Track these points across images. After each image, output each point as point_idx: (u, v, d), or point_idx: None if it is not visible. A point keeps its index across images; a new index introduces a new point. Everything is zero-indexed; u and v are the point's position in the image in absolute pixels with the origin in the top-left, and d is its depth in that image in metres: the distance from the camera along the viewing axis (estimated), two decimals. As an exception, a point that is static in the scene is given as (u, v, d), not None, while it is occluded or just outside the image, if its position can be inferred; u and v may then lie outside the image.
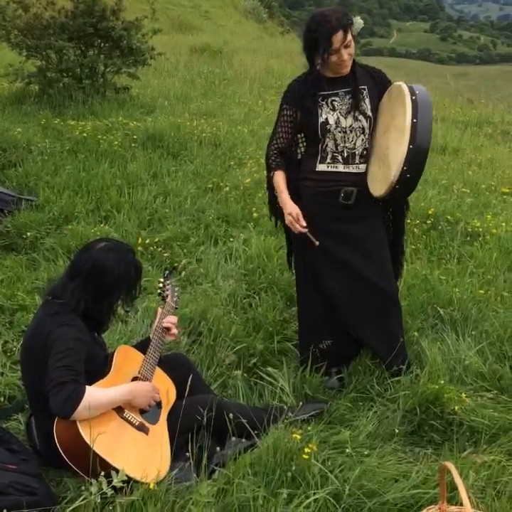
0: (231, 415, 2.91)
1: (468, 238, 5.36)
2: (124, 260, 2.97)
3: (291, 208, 3.45)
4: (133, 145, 7.02)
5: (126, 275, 2.96)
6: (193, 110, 8.61)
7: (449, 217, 5.60)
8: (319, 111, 3.45)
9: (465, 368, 3.68)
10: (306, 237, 3.44)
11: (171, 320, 3.27)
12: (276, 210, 3.78)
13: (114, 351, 3.04)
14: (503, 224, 5.56)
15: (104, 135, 7.17)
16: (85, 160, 6.59)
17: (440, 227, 5.46)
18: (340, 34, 3.27)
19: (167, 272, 3.60)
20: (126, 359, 3.04)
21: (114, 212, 5.63)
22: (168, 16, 24.89)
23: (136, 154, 6.80)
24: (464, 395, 3.34)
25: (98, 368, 2.88)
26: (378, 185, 3.40)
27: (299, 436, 2.92)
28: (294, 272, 3.86)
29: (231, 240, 5.23)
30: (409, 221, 5.16)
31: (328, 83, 3.46)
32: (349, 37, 3.31)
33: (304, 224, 3.41)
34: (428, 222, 5.51)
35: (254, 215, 5.67)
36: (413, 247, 5.16)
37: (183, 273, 4.76)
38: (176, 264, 4.88)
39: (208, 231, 5.41)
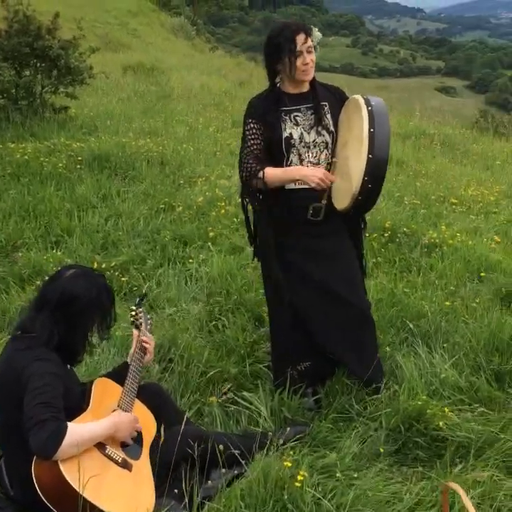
0: (222, 447, 2.79)
1: (426, 249, 5.39)
2: (95, 286, 2.84)
3: (314, 170, 3.33)
4: (78, 166, 6.81)
5: (98, 301, 2.83)
6: (137, 129, 8.46)
7: (405, 229, 5.63)
8: (283, 126, 3.40)
9: (441, 381, 3.65)
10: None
11: (147, 339, 3.17)
12: (252, 225, 3.66)
13: (91, 384, 2.89)
14: (458, 234, 5.62)
15: (47, 157, 6.94)
16: (29, 184, 6.36)
17: (398, 240, 5.48)
18: (302, 35, 3.30)
19: (138, 299, 3.49)
20: (104, 392, 2.89)
21: (65, 237, 5.44)
22: (96, 34, 24.54)
23: (82, 176, 6.60)
24: (446, 409, 3.31)
25: (75, 403, 2.73)
26: (342, 198, 3.37)
27: (289, 464, 2.82)
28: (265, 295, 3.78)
29: (190, 260, 5.10)
30: (367, 235, 5.15)
31: (290, 99, 3.43)
32: (310, 42, 3.33)
33: (333, 177, 3.34)
34: (385, 235, 5.52)
35: (211, 234, 5.57)
36: (374, 260, 5.15)
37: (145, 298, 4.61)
38: (135, 288, 4.74)
39: (165, 253, 5.28)
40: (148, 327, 3.34)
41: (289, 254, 3.50)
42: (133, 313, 3.33)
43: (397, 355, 3.92)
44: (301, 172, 3.34)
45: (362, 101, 3.24)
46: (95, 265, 4.87)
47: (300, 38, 3.28)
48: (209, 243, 5.40)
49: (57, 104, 8.91)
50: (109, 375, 3.10)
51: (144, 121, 9.08)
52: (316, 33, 3.40)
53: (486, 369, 3.72)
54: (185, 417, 2.91)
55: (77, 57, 8.68)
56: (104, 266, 4.90)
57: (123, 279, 4.82)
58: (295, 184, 3.42)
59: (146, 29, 31.17)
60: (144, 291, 4.42)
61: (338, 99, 3.48)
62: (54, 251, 5.17)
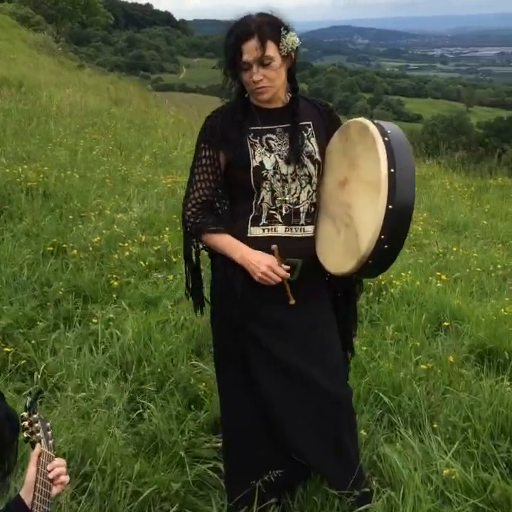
0: None
1: (371, 294, 4.61)
2: None
3: (261, 258, 2.45)
4: None
5: None
6: (9, 154, 7.20)
7: (344, 270, 4.84)
8: (251, 151, 2.47)
9: (445, 480, 2.84)
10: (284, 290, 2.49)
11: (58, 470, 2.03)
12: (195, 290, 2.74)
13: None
14: (403, 274, 4.91)
15: None
16: None
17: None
18: (252, 42, 2.36)
19: (29, 399, 2.09)
20: None
21: None
22: (-49, 50, 22.56)
23: None
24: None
25: None
26: (341, 258, 2.44)
27: None
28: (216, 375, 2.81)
29: (94, 320, 4.04)
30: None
31: (262, 117, 2.51)
32: (269, 52, 2.38)
33: (284, 271, 2.46)
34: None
35: (114, 283, 4.53)
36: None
37: (37, 375, 3.50)
38: (23, 361, 3.62)
39: (60, 310, 4.17)
40: (51, 441, 2.15)
41: (251, 324, 2.57)
42: (26, 423, 2.04)
43: (378, 442, 3.09)
44: (245, 255, 2.46)
45: (373, 128, 2.32)
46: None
47: (248, 45, 2.37)
48: (114, 295, 4.37)
49: None
50: None
51: (17, 144, 7.81)
52: (290, 38, 2.46)
53: (497, 460, 2.94)
54: None
55: None
56: (-21, 333, 3.75)
57: (6, 349, 3.68)
58: (263, 230, 2.51)
59: (6, 44, 29.11)
60: (36, 385, 3.24)
61: (325, 118, 2.59)
62: None
